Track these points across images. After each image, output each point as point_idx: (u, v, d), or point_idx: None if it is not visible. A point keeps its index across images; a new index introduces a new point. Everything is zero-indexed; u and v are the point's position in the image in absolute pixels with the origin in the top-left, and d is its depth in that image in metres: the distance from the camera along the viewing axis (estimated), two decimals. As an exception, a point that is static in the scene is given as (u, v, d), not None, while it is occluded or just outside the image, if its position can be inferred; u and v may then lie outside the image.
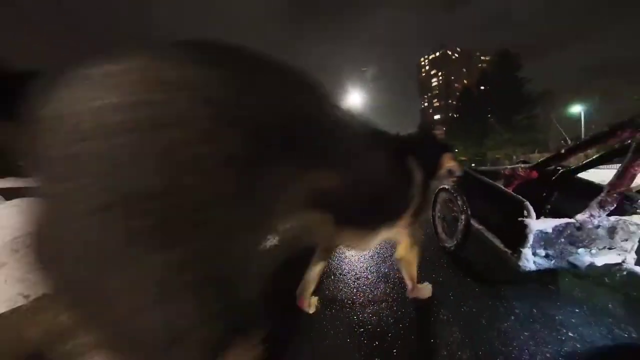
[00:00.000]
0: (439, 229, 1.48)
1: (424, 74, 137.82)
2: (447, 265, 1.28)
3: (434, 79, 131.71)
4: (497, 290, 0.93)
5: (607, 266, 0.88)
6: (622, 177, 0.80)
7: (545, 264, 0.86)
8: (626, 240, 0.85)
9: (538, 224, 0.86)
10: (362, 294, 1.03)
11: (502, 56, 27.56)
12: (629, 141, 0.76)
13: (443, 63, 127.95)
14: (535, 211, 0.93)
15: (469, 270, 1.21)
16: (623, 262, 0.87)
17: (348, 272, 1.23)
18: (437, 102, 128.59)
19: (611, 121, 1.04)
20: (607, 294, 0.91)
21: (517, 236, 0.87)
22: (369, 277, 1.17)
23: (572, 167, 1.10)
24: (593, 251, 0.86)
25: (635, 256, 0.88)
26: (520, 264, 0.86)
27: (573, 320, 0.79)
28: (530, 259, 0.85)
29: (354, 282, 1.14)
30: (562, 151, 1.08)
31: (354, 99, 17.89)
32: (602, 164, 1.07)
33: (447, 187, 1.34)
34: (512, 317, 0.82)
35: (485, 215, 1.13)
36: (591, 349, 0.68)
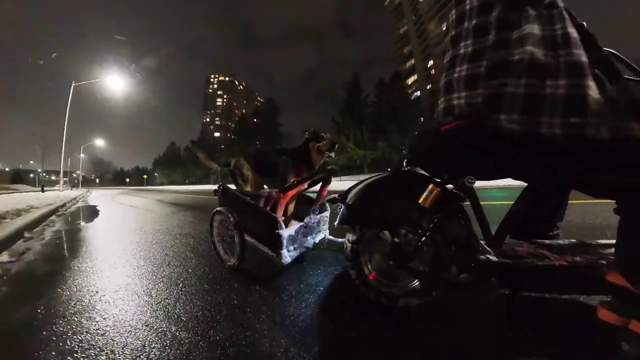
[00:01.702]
0: (221, 252, 1.55)
1: (210, 91, 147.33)
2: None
3: (219, 99, 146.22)
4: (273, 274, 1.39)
5: (321, 240, 1.60)
6: (320, 196, 1.50)
7: (295, 254, 1.34)
8: (324, 225, 1.65)
9: (287, 232, 1.28)
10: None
11: (270, 102, 43.11)
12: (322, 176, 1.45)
13: (230, 88, 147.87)
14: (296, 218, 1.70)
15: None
16: (325, 236, 1.64)
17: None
18: (218, 120, 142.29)
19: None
20: (327, 253, 1.71)
21: (276, 243, 1.23)
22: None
23: (285, 186, 1.79)
24: (314, 236, 1.51)
25: (328, 230, 1.70)
26: (282, 261, 1.22)
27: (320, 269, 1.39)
28: (287, 255, 1.25)
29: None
30: (294, 182, 1.74)
31: (116, 85, 15.94)
32: (307, 185, 1.58)
33: (220, 210, 1.48)
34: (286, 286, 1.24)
35: (254, 230, 1.38)
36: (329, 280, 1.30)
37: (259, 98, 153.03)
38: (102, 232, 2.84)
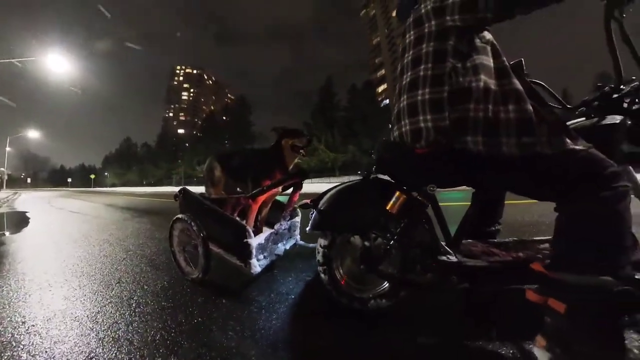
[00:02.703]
0: (182, 263, 1.46)
1: (175, 83, 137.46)
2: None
3: (185, 93, 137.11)
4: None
5: (292, 246, 1.57)
6: (291, 201, 1.51)
7: (265, 262, 1.31)
8: (295, 230, 1.65)
9: (256, 240, 1.24)
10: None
11: (241, 100, 41.47)
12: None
13: (198, 82, 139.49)
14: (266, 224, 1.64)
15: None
16: (296, 241, 1.64)
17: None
18: (183, 116, 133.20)
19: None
20: (298, 259, 1.69)
21: (244, 252, 1.19)
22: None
23: (253, 193, 1.68)
24: (284, 242, 1.51)
25: (299, 236, 1.70)
26: (252, 271, 1.18)
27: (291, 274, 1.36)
28: (256, 264, 1.20)
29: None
30: (265, 187, 1.68)
31: (59, 66, 12.79)
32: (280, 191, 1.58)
33: (180, 217, 1.39)
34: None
35: (220, 238, 1.31)
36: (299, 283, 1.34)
37: (229, 95, 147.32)
38: (33, 244, 2.46)
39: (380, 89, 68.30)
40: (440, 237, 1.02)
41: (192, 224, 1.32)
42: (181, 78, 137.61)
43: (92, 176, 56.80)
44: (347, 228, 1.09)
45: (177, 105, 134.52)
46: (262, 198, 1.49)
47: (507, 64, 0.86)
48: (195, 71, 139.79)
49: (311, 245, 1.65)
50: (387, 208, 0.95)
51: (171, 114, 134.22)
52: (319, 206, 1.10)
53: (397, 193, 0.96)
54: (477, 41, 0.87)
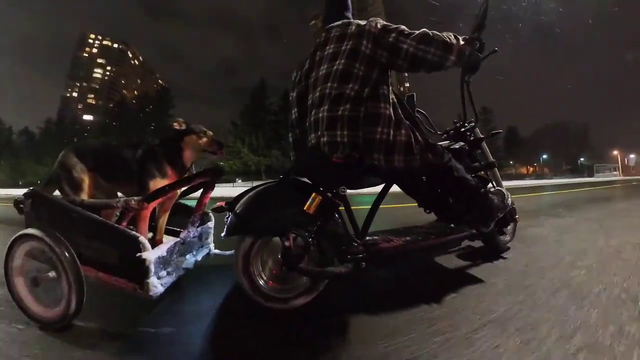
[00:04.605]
0: (30, 304, 1.02)
1: (86, 55, 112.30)
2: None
3: (99, 70, 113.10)
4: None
5: (204, 256, 1.39)
6: (200, 203, 1.30)
7: (170, 280, 1.07)
8: (207, 239, 1.44)
9: (155, 253, 1.01)
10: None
11: (163, 90, 36.86)
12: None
13: (119, 58, 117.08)
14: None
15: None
16: (210, 251, 1.42)
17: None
18: (93, 99, 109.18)
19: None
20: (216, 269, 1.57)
21: (139, 270, 0.94)
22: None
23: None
24: (194, 253, 1.31)
25: (213, 244, 1.50)
26: (151, 293, 0.94)
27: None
28: (157, 284, 0.97)
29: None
30: (167, 187, 1.39)
31: None
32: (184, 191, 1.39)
33: (29, 233, 0.99)
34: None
35: (99, 258, 1.00)
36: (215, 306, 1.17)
37: (160, 81, 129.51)
38: None
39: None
40: (352, 231, 1.19)
41: (52, 242, 0.95)
42: (95, 50, 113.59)
43: None
44: (267, 230, 1.10)
45: (85, 85, 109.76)
46: (158, 202, 1.24)
47: (399, 97, 1.15)
48: (116, 45, 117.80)
49: (228, 253, 1.47)
50: (305, 208, 1.04)
51: (74, 94, 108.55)
52: (236, 209, 1.07)
53: (314, 194, 1.05)
54: (384, 76, 1.10)
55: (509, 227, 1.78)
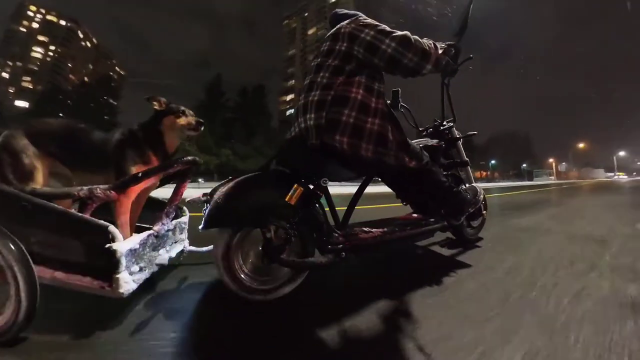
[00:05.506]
0: None
1: (23, 29, 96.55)
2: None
3: (40, 48, 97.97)
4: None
5: (179, 253, 1.32)
6: (176, 194, 1.24)
7: (142, 276, 0.97)
8: (183, 233, 1.41)
9: (127, 244, 0.91)
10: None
11: (105, 78, 33.24)
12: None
13: (66, 38, 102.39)
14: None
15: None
16: (184, 247, 1.39)
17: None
18: (29, 82, 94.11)
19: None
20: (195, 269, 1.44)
21: (108, 265, 0.84)
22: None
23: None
24: (168, 248, 1.23)
25: (188, 240, 1.44)
26: (121, 290, 0.83)
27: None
28: (129, 280, 0.86)
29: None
30: (140, 174, 1.20)
31: None
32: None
33: None
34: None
35: (58, 254, 0.87)
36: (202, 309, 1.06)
37: (117, 69, 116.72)
38: None
39: (288, 97, 74.98)
40: (331, 222, 1.21)
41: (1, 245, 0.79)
42: (35, 25, 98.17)
43: None
44: (248, 222, 1.08)
45: (19, 64, 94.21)
46: (136, 189, 1.11)
47: (383, 90, 1.14)
48: (63, 22, 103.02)
49: (204, 249, 1.43)
50: (287, 199, 1.03)
51: (6, 74, 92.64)
52: (215, 200, 1.02)
53: (295, 185, 1.05)
54: (371, 69, 1.11)
55: (476, 221, 1.96)
